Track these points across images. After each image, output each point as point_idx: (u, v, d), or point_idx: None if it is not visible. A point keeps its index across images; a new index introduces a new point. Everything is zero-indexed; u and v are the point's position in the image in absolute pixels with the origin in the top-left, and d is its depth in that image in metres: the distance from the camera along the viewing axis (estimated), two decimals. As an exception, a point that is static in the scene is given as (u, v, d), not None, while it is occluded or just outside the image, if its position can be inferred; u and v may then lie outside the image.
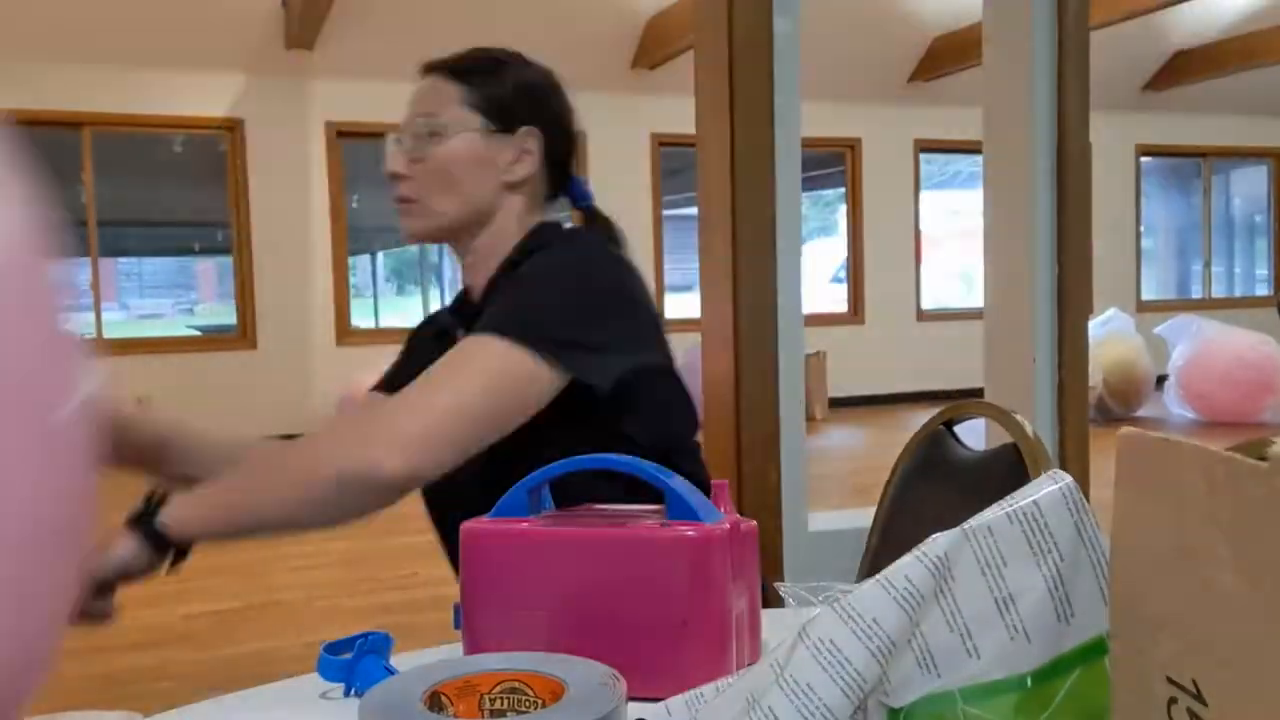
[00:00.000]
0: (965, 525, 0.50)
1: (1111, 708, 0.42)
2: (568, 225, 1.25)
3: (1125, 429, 0.39)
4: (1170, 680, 0.37)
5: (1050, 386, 2.34)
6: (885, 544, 1.33)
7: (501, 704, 0.64)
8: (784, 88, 2.19)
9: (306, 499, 0.96)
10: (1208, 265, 10.99)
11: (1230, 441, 0.38)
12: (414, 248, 9.48)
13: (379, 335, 8.08)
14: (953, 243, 9.73)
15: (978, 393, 2.40)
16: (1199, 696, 0.36)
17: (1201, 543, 0.35)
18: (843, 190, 9.58)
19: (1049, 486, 0.49)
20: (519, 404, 0.99)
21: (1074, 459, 2.32)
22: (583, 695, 0.59)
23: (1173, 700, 0.37)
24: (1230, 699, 0.34)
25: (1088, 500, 0.49)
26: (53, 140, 7.16)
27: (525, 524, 0.77)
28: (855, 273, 9.48)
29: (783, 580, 0.78)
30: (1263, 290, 11.18)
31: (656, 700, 0.65)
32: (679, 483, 0.76)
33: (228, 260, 7.64)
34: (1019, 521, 0.49)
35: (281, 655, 2.96)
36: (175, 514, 0.97)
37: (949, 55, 8.62)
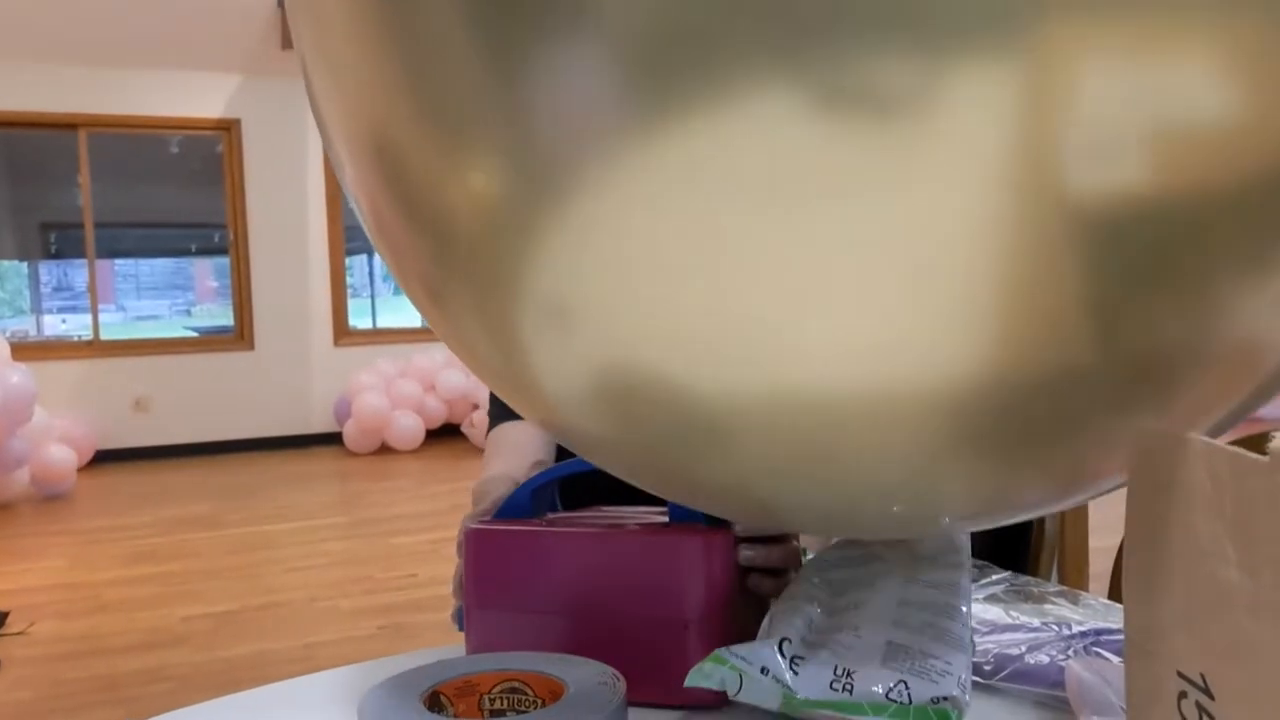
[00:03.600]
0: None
1: (1126, 701, 0.42)
2: None
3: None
4: (1181, 675, 0.37)
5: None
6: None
7: (501, 704, 0.64)
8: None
9: None
10: (1205, 261, 11.02)
11: (1228, 437, 0.38)
12: (411, 248, 9.48)
13: (376, 336, 8.07)
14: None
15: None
16: (1207, 690, 0.35)
17: (1209, 537, 0.35)
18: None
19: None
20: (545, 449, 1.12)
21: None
22: (582, 695, 0.59)
23: (1183, 695, 0.37)
24: (1236, 694, 0.34)
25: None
26: (48, 142, 7.15)
27: (530, 525, 0.77)
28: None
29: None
30: (1260, 286, 11.22)
31: (661, 706, 0.65)
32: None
33: (225, 261, 7.63)
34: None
35: (280, 657, 2.96)
36: None
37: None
